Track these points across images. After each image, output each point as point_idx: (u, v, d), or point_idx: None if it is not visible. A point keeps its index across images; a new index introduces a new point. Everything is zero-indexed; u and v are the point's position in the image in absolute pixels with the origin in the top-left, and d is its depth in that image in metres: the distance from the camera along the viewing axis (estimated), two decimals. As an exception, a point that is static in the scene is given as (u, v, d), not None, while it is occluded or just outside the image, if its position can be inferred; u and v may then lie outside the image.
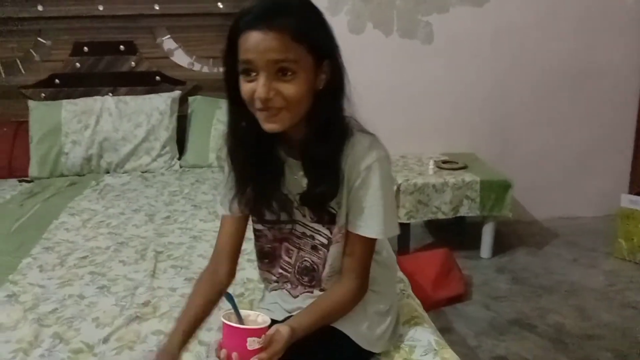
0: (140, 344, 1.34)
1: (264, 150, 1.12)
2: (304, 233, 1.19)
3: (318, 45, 1.01)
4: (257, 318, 1.02)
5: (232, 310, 1.00)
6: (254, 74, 0.99)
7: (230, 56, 1.02)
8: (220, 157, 1.21)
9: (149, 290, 1.59)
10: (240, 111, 1.06)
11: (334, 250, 1.17)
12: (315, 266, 1.20)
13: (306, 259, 1.21)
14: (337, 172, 1.09)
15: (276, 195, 1.15)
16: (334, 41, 1.06)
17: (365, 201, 1.11)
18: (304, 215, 1.17)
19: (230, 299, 1.02)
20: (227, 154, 1.16)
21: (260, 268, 1.29)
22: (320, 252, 1.18)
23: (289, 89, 0.98)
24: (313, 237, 1.18)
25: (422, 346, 1.24)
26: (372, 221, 1.12)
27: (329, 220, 1.15)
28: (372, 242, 1.16)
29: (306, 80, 1.00)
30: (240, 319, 1.00)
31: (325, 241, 1.17)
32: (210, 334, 1.35)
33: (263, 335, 0.96)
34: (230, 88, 1.06)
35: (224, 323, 0.96)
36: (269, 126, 1.02)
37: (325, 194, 1.09)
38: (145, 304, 1.51)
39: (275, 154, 1.14)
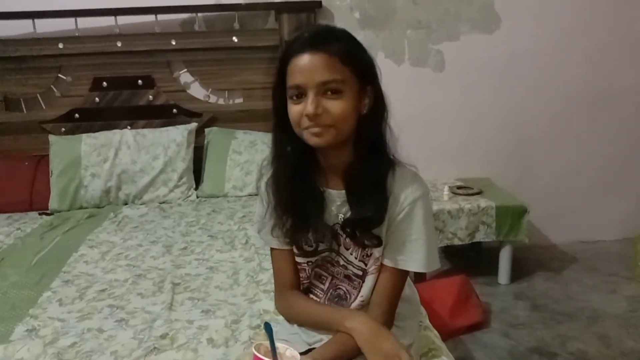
0: (157, 375, 1.35)
1: (306, 177, 1.15)
2: (337, 262, 1.21)
3: (363, 69, 1.07)
4: (285, 351, 1.02)
5: (263, 342, 1.01)
6: (302, 98, 1.04)
7: (280, 85, 1.09)
8: (259, 187, 1.24)
9: (167, 323, 1.60)
10: (286, 137, 1.12)
11: (369, 281, 1.17)
12: (348, 295, 1.21)
13: (340, 287, 1.22)
14: (383, 197, 1.10)
15: (317, 223, 1.16)
16: (375, 69, 1.11)
17: (407, 235, 1.12)
18: (340, 245, 1.19)
19: (268, 329, 1.02)
20: (270, 183, 1.19)
21: None
22: (354, 282, 1.20)
23: (336, 106, 1.03)
24: (346, 267, 1.20)
25: (440, 378, 1.23)
26: (415, 254, 1.12)
27: (365, 251, 1.16)
28: (403, 278, 1.17)
29: (352, 100, 1.05)
30: (274, 351, 1.00)
31: (359, 272, 1.18)
32: (227, 366, 1.35)
33: None
34: (278, 116, 1.12)
35: (254, 355, 0.96)
36: (314, 140, 1.06)
37: (372, 219, 1.10)
38: (163, 336, 1.52)
39: (315, 183, 1.17)
